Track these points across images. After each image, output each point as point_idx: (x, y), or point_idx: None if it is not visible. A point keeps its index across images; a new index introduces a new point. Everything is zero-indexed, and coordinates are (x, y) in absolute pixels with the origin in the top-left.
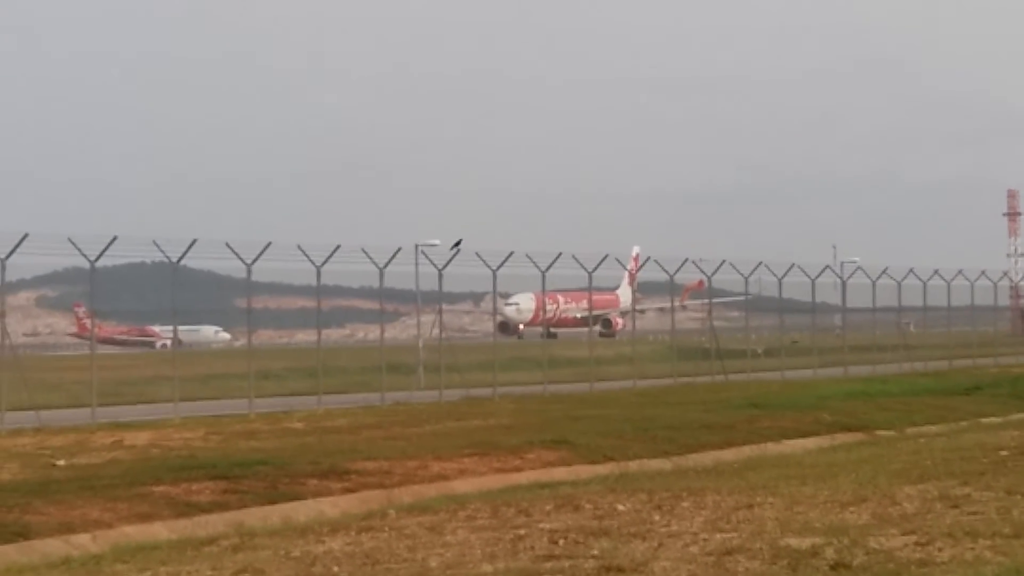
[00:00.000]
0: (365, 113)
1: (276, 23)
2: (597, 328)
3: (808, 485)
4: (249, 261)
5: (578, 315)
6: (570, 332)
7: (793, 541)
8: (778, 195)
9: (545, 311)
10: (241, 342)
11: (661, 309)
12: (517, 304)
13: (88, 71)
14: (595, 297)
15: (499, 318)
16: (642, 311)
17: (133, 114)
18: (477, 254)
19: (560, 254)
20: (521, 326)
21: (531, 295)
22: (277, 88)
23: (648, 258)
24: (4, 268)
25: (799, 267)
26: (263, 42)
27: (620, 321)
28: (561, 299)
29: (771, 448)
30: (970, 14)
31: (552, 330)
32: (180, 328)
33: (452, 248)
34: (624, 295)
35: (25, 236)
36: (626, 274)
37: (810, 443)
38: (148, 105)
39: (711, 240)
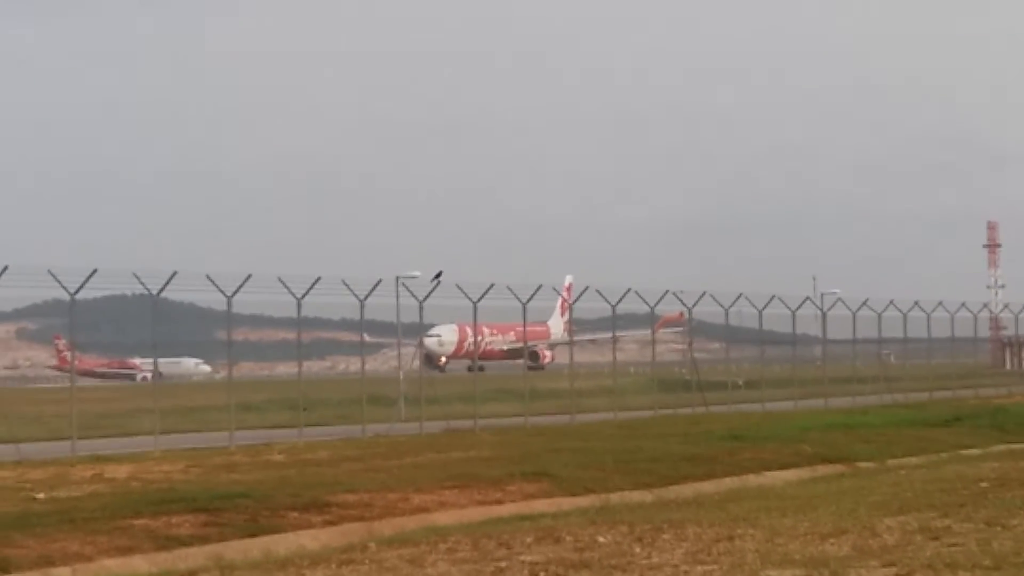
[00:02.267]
0: (338, 146)
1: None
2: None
3: (788, 517)
4: (229, 293)
5: (504, 347)
6: (498, 364)
7: (773, 573)
8: (758, 227)
9: (470, 343)
10: (222, 374)
11: (592, 341)
12: (439, 336)
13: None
14: (522, 329)
15: (423, 350)
16: (592, 341)
17: (108, 146)
18: (458, 286)
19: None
20: (443, 359)
21: (454, 326)
22: (253, 120)
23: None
24: None
25: (779, 299)
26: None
27: (548, 354)
28: (487, 331)
29: (752, 480)
30: (953, 48)
31: (480, 363)
32: (161, 360)
33: (433, 280)
34: (556, 326)
35: (4, 268)
36: (558, 304)
37: (791, 475)
38: (121, 136)
39: (691, 272)
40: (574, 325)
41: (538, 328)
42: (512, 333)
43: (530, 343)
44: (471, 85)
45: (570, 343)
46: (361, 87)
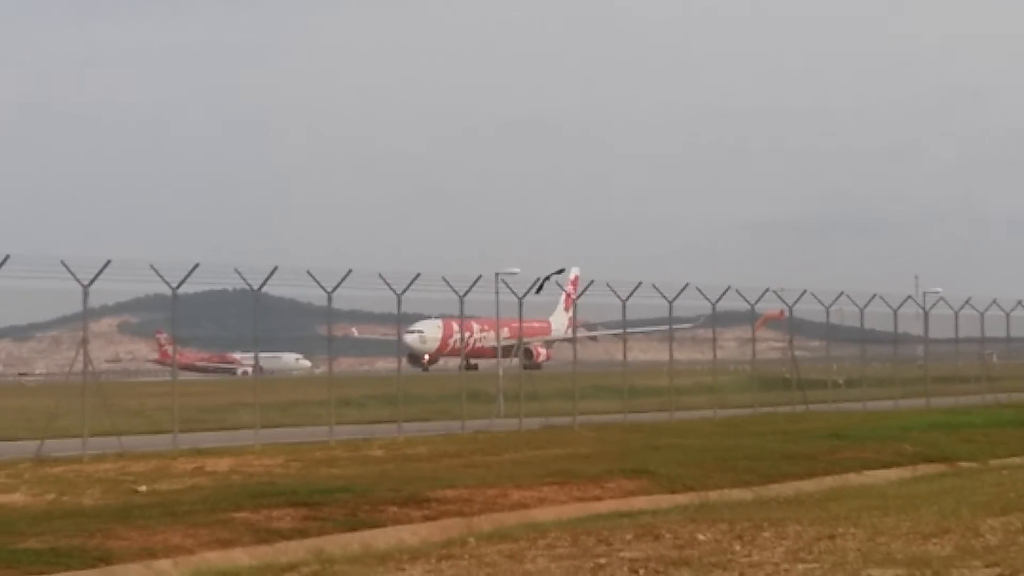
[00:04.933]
0: (444, 144)
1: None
2: (513, 360)
3: (890, 516)
4: (330, 289)
5: (495, 344)
6: (490, 363)
7: (875, 572)
8: (861, 225)
9: (456, 340)
10: (321, 369)
11: (593, 338)
12: (421, 332)
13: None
14: (517, 325)
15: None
16: (593, 338)
17: (214, 144)
18: (557, 283)
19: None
20: (426, 356)
21: (438, 322)
22: (357, 118)
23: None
24: (87, 294)
25: (881, 297)
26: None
27: (543, 351)
28: (476, 326)
29: (853, 479)
30: None
31: (472, 361)
32: (261, 355)
33: (551, 276)
34: (558, 322)
35: (108, 263)
36: (562, 299)
37: (892, 474)
38: (231, 138)
39: (791, 270)
40: (584, 320)
41: (536, 324)
42: (506, 329)
43: (526, 340)
44: (571, 85)
45: (575, 340)
46: (465, 87)
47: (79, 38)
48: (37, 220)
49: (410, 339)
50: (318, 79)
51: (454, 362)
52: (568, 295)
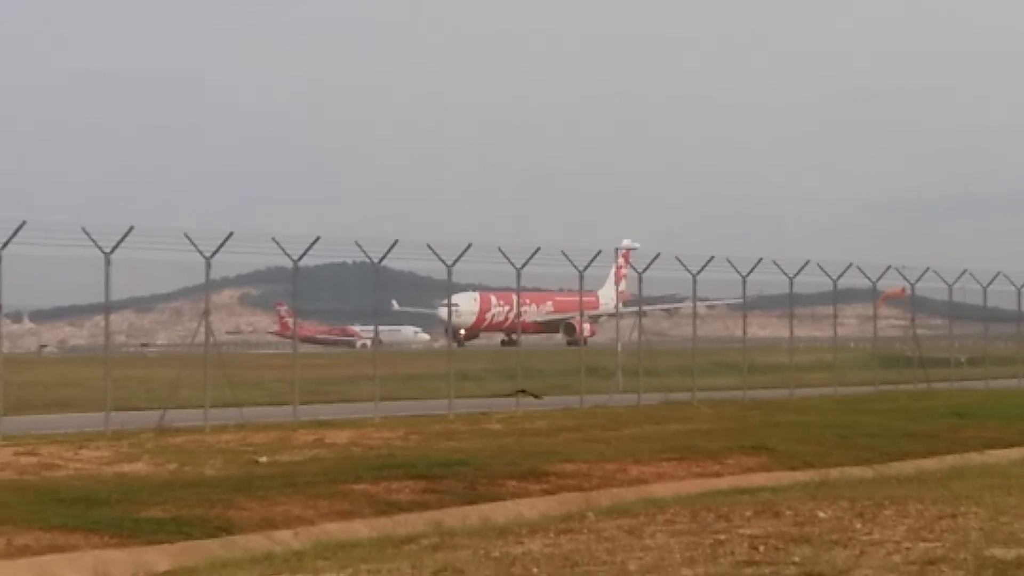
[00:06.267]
0: (563, 120)
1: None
2: (560, 336)
3: (1013, 496)
4: (450, 262)
5: (538, 319)
6: (530, 340)
7: (998, 552)
8: (984, 205)
9: (495, 314)
10: (440, 343)
11: (638, 313)
12: (456, 306)
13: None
14: (562, 299)
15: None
16: (643, 312)
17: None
18: (677, 258)
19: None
20: (462, 331)
21: (475, 295)
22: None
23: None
24: (209, 266)
25: (1005, 275)
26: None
27: (589, 327)
28: (516, 300)
29: (975, 458)
30: None
31: (513, 337)
32: (380, 328)
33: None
34: (607, 296)
35: (230, 235)
36: (612, 272)
37: (1015, 453)
38: (353, 112)
39: (912, 248)
40: (647, 295)
41: (585, 298)
42: (550, 303)
43: (571, 314)
44: (688, 64)
45: (617, 315)
46: (585, 66)
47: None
48: (162, 193)
49: (443, 313)
50: (439, 53)
51: (498, 338)
52: (619, 268)
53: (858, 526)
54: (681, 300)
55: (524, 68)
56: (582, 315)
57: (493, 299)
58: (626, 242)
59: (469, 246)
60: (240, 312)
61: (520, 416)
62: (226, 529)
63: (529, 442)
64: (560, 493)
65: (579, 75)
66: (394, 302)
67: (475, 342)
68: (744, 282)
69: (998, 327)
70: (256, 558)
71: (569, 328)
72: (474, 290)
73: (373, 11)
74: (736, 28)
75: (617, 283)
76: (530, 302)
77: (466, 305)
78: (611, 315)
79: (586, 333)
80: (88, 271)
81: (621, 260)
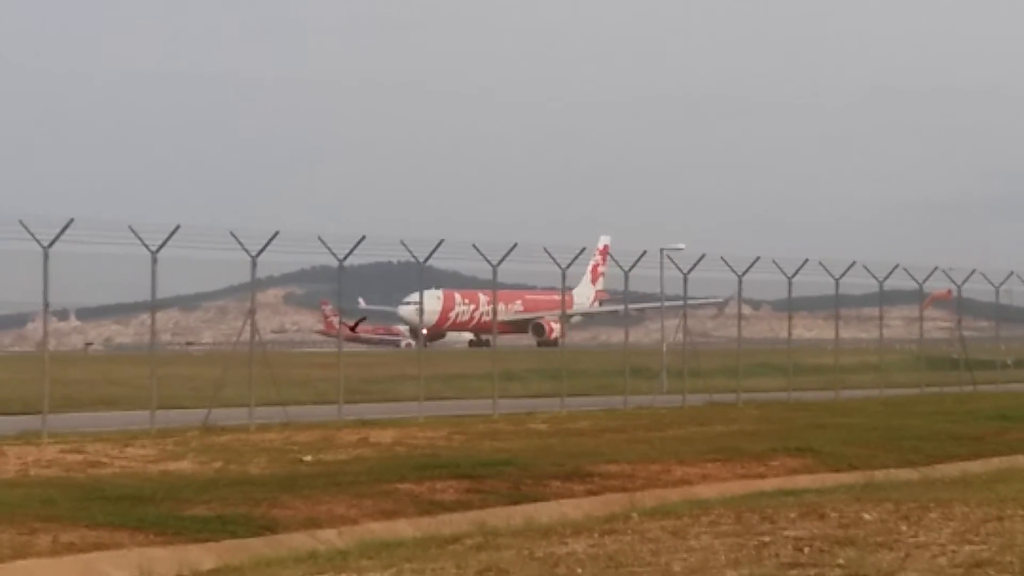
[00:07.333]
0: (612, 124)
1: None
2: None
3: None
4: (495, 262)
5: (505, 319)
6: (500, 340)
7: None
8: None
9: (458, 313)
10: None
11: (613, 311)
12: (417, 304)
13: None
14: (533, 297)
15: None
16: (635, 310)
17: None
18: (723, 259)
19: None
20: (424, 330)
21: (439, 293)
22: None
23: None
24: (255, 265)
25: None
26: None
27: (555, 327)
28: (483, 299)
29: (1021, 461)
30: None
31: (482, 337)
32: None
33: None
34: (582, 295)
35: (276, 234)
36: (588, 270)
37: None
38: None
39: (958, 249)
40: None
41: (554, 296)
42: (519, 302)
43: (540, 314)
44: (736, 66)
45: (568, 317)
46: (634, 67)
47: None
48: (207, 192)
49: (404, 311)
50: (482, 51)
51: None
52: (595, 266)
53: (903, 528)
54: (713, 301)
55: (570, 69)
56: (564, 314)
57: (458, 297)
58: (604, 239)
59: (515, 245)
60: (285, 311)
61: (564, 416)
62: (270, 528)
63: (573, 442)
64: (604, 494)
65: (627, 76)
66: (361, 300)
67: (440, 342)
68: (790, 283)
69: None
70: (300, 557)
71: (538, 328)
72: (487, 288)
73: (424, 11)
74: (779, 29)
75: (593, 281)
76: (498, 301)
77: (428, 303)
78: (585, 314)
79: (554, 333)
80: (134, 269)
81: (598, 258)
